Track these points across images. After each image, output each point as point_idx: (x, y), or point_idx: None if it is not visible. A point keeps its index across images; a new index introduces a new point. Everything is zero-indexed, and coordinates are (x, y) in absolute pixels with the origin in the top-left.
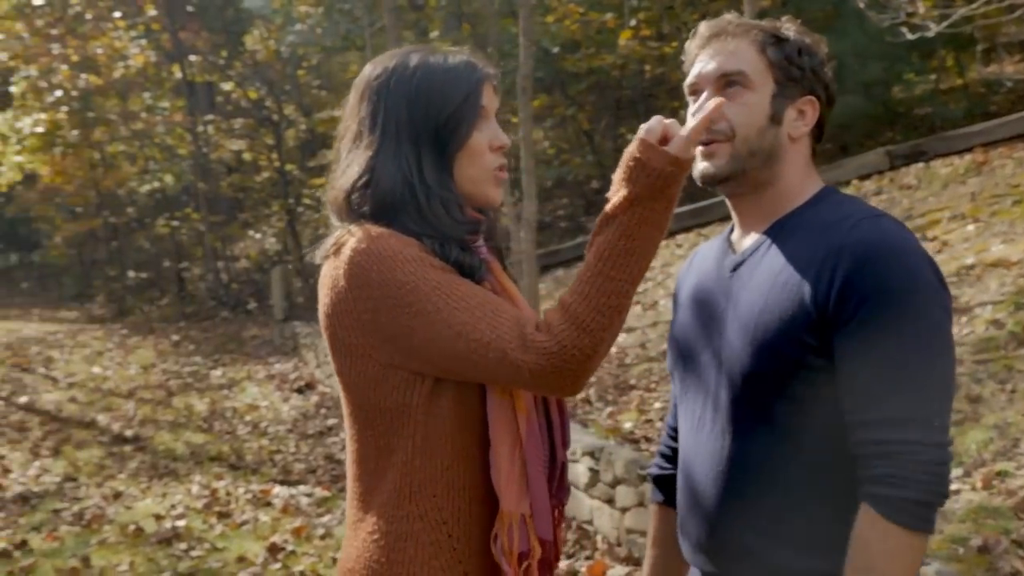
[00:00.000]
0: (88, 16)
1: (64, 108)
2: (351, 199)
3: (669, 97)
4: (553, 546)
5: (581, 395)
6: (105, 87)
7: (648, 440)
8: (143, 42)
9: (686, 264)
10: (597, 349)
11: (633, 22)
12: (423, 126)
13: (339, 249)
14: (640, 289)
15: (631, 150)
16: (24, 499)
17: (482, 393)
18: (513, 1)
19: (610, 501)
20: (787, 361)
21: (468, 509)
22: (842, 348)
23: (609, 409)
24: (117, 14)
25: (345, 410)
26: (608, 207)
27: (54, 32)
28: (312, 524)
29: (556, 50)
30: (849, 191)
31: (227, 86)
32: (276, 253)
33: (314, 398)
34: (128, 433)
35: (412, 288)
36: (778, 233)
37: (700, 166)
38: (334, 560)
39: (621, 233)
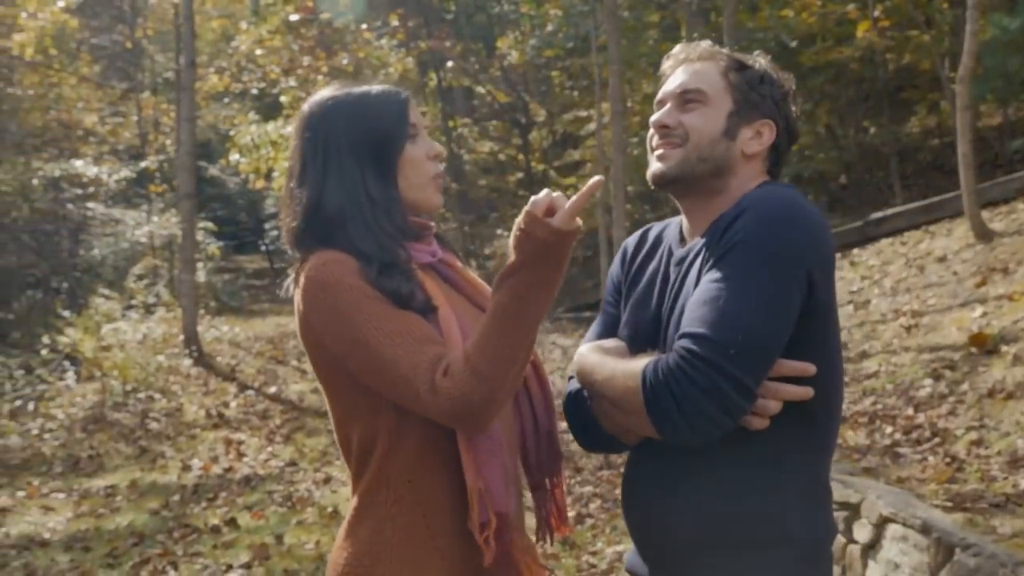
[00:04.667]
0: (352, 28)
1: None
2: (302, 230)
3: (928, 87)
4: (527, 514)
5: None
6: None
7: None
8: (402, 51)
9: (637, 236)
10: (495, 395)
11: (876, 12)
12: (364, 144)
13: (299, 278)
14: (854, 288)
15: (519, 220)
16: (247, 480)
17: None
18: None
19: None
20: None
21: (440, 492)
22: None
23: None
24: (364, 26)
25: (329, 408)
26: (503, 269)
27: (306, 45)
28: None
29: (794, 44)
30: None
31: (480, 90)
32: None
33: None
34: None
35: (348, 318)
36: (713, 232)
37: (653, 167)
38: None
39: (512, 294)
